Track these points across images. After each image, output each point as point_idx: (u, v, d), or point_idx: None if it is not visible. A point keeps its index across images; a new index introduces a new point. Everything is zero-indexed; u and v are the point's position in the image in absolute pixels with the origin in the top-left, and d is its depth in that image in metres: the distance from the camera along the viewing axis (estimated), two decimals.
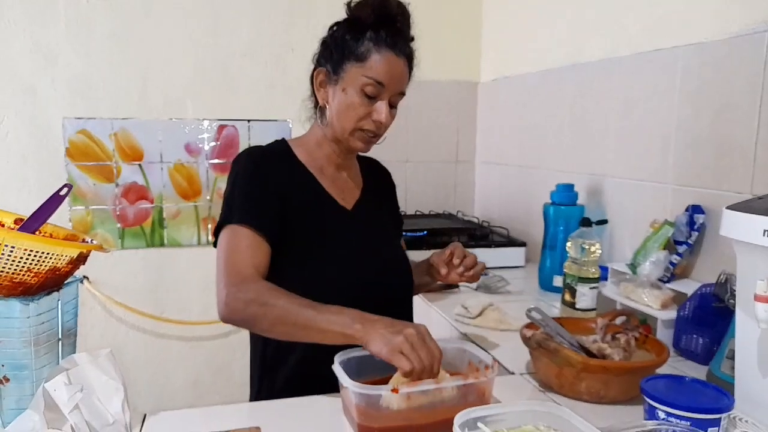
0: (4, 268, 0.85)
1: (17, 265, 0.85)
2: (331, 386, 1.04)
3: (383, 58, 1.12)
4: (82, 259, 0.92)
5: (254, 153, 1.21)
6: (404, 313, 1.29)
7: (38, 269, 0.87)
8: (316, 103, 1.23)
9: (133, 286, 2.30)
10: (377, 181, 1.37)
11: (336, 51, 1.16)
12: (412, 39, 1.19)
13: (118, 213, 2.25)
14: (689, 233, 1.44)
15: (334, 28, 1.19)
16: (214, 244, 1.16)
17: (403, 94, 1.18)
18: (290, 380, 1.19)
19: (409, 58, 1.18)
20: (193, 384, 2.42)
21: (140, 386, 2.34)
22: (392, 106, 1.17)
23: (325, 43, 1.19)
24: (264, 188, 1.15)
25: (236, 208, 1.13)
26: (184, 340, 2.39)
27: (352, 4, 1.15)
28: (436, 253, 1.32)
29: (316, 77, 1.20)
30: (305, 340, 1.01)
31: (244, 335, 2.55)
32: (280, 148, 1.25)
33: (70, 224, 2.20)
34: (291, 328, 1.00)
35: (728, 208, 0.91)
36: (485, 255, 2.05)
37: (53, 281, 0.91)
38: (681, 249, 1.44)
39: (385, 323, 0.95)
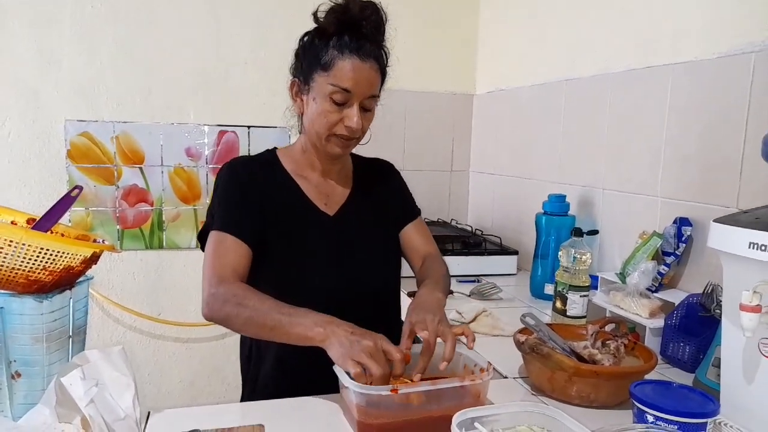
0: (20, 266, 0.87)
1: (33, 264, 0.88)
2: (311, 384, 1.09)
3: (348, 65, 1.12)
4: (94, 258, 0.95)
5: (233, 164, 1.26)
6: (383, 315, 1.29)
7: (53, 268, 0.89)
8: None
9: (131, 288, 2.32)
10: (373, 182, 1.36)
11: (305, 61, 1.18)
12: (383, 41, 1.18)
13: (117, 215, 2.27)
14: (677, 244, 1.48)
15: (304, 38, 1.20)
16: (202, 248, 1.21)
17: (374, 97, 1.17)
18: (269, 378, 1.24)
19: (378, 60, 1.16)
20: (189, 385, 2.44)
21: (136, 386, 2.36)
22: (366, 109, 1.17)
23: (297, 55, 1.21)
24: (242, 196, 1.20)
25: (217, 216, 1.18)
26: (181, 342, 2.40)
27: (318, 13, 1.16)
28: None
29: (291, 88, 1.22)
30: (274, 339, 1.05)
31: (239, 337, 2.56)
32: (267, 157, 1.29)
33: (70, 225, 2.22)
34: (260, 329, 1.05)
35: (715, 221, 0.94)
36: (478, 263, 2.09)
37: (67, 280, 0.93)
38: (669, 260, 1.48)
39: (345, 329, 0.98)
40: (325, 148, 1.19)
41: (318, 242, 1.23)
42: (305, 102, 1.19)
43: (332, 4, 1.14)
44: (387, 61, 1.20)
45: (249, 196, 1.20)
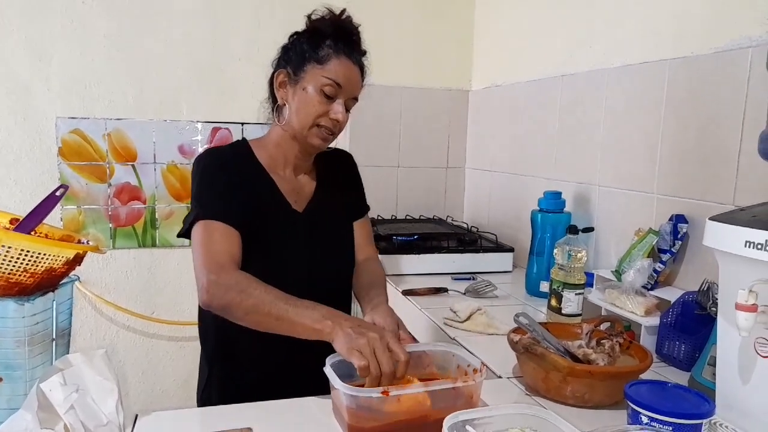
0: (0, 267, 0.85)
1: (13, 266, 0.86)
2: (301, 385, 1.10)
3: (341, 63, 1.22)
4: (78, 260, 0.93)
5: (213, 153, 1.28)
6: (338, 300, 1.30)
7: (34, 269, 0.87)
8: (274, 104, 1.31)
9: (124, 286, 2.30)
10: (336, 173, 1.42)
11: (297, 55, 1.25)
12: (365, 53, 1.30)
13: (110, 213, 2.25)
14: (673, 242, 1.47)
15: (294, 36, 1.28)
16: (184, 235, 1.20)
17: (356, 99, 1.28)
18: (255, 379, 1.25)
19: (362, 68, 1.28)
20: (183, 384, 2.42)
21: (130, 386, 2.35)
22: (346, 109, 1.26)
23: (286, 49, 1.29)
24: (226, 185, 1.22)
25: (206, 204, 1.19)
26: (175, 340, 2.39)
27: (312, 17, 1.26)
28: None
29: (277, 78, 1.28)
30: (276, 331, 1.04)
31: None
32: (240, 148, 1.31)
33: (61, 224, 2.20)
34: (264, 318, 1.04)
35: (711, 219, 0.93)
36: (474, 260, 2.07)
37: (49, 282, 0.91)
38: (665, 257, 1.46)
39: (353, 323, 0.99)
40: (306, 138, 1.24)
41: (285, 239, 1.27)
42: (291, 93, 1.25)
43: (327, 10, 1.25)
44: (365, 74, 1.30)
45: (233, 185, 1.22)
